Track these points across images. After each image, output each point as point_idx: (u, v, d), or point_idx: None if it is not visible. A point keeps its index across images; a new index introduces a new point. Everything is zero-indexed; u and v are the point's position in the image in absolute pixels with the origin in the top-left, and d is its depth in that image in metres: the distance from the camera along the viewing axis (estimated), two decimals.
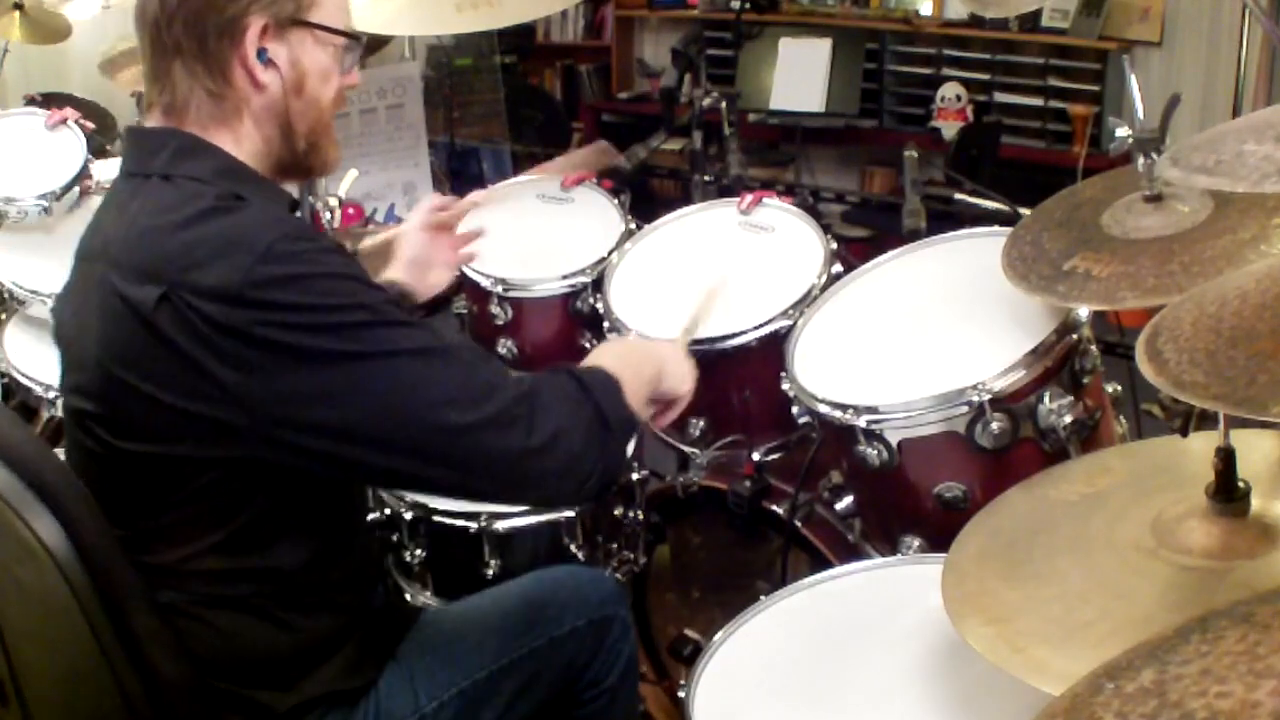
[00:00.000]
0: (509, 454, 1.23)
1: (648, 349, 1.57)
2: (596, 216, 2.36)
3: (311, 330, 1.17)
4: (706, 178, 2.71)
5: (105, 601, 1.24)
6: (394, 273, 1.82)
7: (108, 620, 1.24)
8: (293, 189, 1.64)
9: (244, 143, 1.34)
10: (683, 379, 1.55)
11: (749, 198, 2.12)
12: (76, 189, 2.54)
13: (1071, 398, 1.49)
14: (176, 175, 1.28)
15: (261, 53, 1.30)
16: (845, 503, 1.70)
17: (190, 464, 1.23)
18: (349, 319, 1.19)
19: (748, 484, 1.89)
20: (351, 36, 1.39)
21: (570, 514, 1.80)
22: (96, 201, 2.56)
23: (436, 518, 1.80)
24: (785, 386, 1.67)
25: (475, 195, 1.96)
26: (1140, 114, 1.51)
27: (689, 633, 1.97)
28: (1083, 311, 1.51)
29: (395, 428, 1.20)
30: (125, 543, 1.29)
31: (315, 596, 1.35)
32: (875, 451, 1.53)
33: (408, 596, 1.83)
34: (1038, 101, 5.10)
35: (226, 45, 1.29)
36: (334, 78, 1.38)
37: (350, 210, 3.08)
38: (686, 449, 2.02)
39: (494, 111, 5.18)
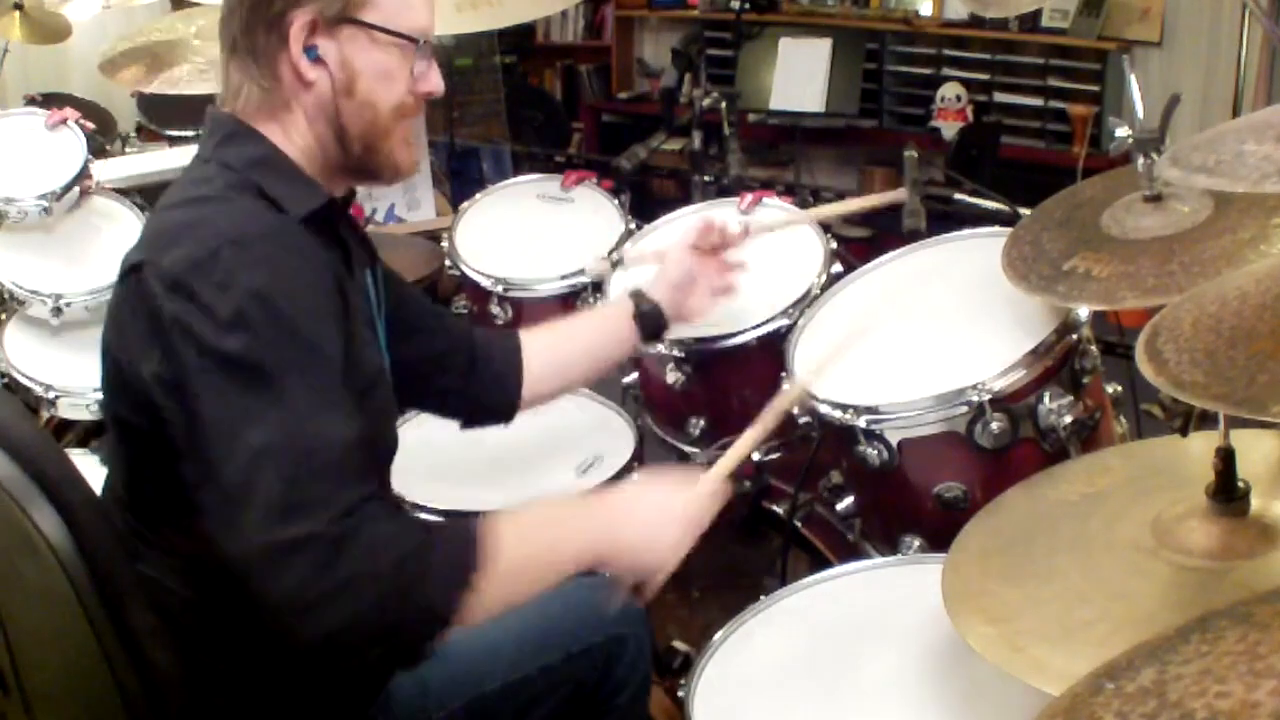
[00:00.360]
0: (240, 542, 1.11)
1: (621, 516, 1.33)
2: (596, 216, 2.37)
3: (202, 333, 1.15)
4: (706, 178, 2.71)
5: (104, 597, 1.24)
6: (656, 292, 1.74)
7: (106, 616, 1.25)
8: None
9: (294, 137, 1.34)
10: (661, 551, 1.32)
11: (749, 198, 2.12)
12: (76, 189, 2.54)
13: (1071, 398, 1.49)
14: (214, 159, 1.31)
15: (311, 49, 1.30)
16: (845, 503, 1.70)
17: (138, 432, 1.25)
18: (233, 344, 1.14)
19: (748, 484, 1.89)
20: (406, 38, 1.34)
21: None
22: (96, 201, 2.58)
23: (437, 517, 1.80)
24: (785, 386, 1.67)
25: (743, 226, 1.79)
26: (1140, 114, 1.51)
27: (678, 644, 1.96)
28: (1083, 311, 1.51)
29: (205, 450, 1.15)
30: (128, 511, 1.32)
31: None
32: (875, 451, 1.53)
33: None
34: (1038, 101, 5.10)
35: (275, 41, 1.30)
36: (397, 80, 1.35)
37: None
38: (686, 449, 2.02)
39: (494, 111, 5.18)
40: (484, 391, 1.68)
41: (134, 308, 1.21)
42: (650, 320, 1.72)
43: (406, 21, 1.34)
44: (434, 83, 1.39)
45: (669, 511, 1.35)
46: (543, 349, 1.70)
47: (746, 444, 1.47)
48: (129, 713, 1.27)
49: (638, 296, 1.73)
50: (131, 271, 1.22)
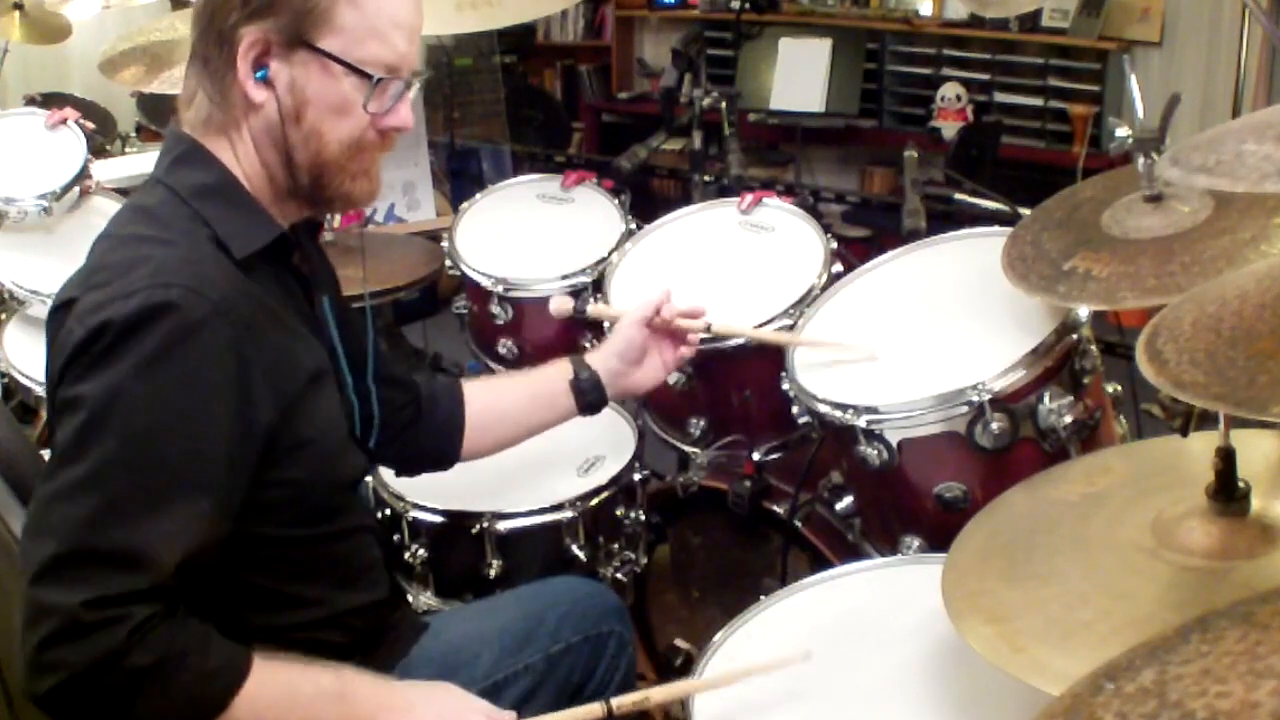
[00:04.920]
0: (25, 565, 1.13)
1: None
2: (596, 216, 2.37)
3: (79, 380, 1.15)
4: (706, 178, 2.71)
5: None
6: (596, 360, 1.68)
7: None
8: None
9: (242, 159, 1.30)
10: None
11: (749, 198, 2.12)
12: (76, 189, 2.54)
13: (1071, 398, 1.49)
14: (164, 182, 1.28)
15: (263, 70, 1.25)
16: (845, 503, 1.70)
17: None
18: (94, 407, 1.14)
19: (748, 484, 1.89)
20: (362, 74, 1.26)
21: (571, 514, 1.80)
22: (97, 201, 2.58)
23: (438, 518, 1.80)
24: (785, 386, 1.67)
25: (700, 309, 1.71)
26: (1140, 114, 1.51)
27: (680, 643, 1.97)
28: (1083, 311, 1.51)
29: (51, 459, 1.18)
30: None
31: (274, 601, 1.32)
32: (875, 451, 1.53)
33: (409, 597, 1.82)
34: (1038, 101, 5.10)
35: (226, 55, 1.25)
36: (352, 114, 1.27)
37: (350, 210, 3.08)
38: (686, 449, 2.02)
39: (494, 111, 5.18)
40: (426, 440, 1.64)
41: (53, 337, 1.22)
42: (587, 390, 1.66)
43: (371, 53, 1.26)
44: (401, 118, 1.31)
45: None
46: (482, 403, 1.66)
47: (578, 715, 1.34)
48: None
49: (578, 364, 1.67)
50: (64, 307, 1.21)
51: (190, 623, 1.18)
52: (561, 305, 1.81)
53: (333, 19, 1.24)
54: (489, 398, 1.68)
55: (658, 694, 1.34)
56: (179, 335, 1.16)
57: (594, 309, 1.84)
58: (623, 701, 1.32)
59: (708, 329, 1.71)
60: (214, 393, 1.18)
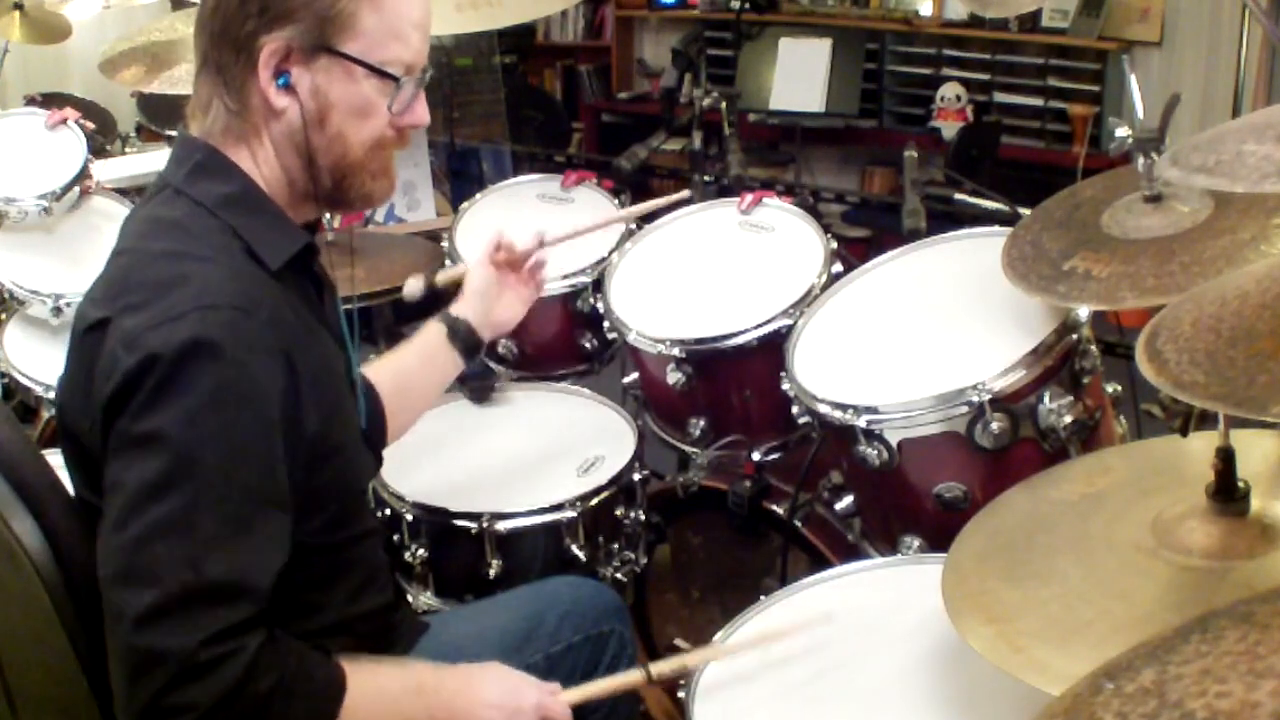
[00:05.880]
0: (115, 623, 1.12)
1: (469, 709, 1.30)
2: (596, 216, 2.36)
3: (147, 415, 1.13)
4: (706, 178, 2.71)
5: (80, 607, 1.23)
6: (460, 308, 1.72)
7: (81, 626, 1.23)
8: None
9: (262, 166, 1.29)
10: None
11: (749, 198, 2.12)
12: (76, 189, 2.54)
13: (1071, 398, 1.50)
14: (186, 192, 1.27)
15: (284, 76, 1.24)
16: (845, 503, 1.70)
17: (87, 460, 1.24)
18: (175, 444, 1.12)
19: (748, 484, 1.89)
20: (387, 75, 1.26)
21: (571, 514, 1.80)
22: (96, 201, 2.58)
23: (438, 518, 1.80)
24: (785, 386, 1.67)
25: (539, 237, 1.79)
26: (1140, 114, 1.51)
27: (680, 643, 1.96)
28: (1083, 311, 1.51)
29: (113, 503, 1.15)
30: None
31: (288, 610, 1.28)
32: (875, 451, 1.53)
33: (409, 597, 1.83)
34: (1038, 101, 5.10)
35: (244, 64, 1.24)
36: (375, 114, 1.28)
37: None
38: (686, 449, 2.02)
39: (494, 111, 5.18)
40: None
41: (89, 357, 1.19)
42: (464, 338, 1.70)
43: (391, 54, 1.27)
44: (419, 115, 1.32)
45: (518, 714, 1.32)
46: (389, 389, 1.65)
47: (619, 683, 1.41)
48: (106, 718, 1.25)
49: (448, 319, 1.70)
50: (97, 327, 1.19)
51: (290, 641, 1.19)
52: (412, 288, 1.85)
53: (355, 23, 1.24)
54: (393, 381, 1.66)
55: (693, 658, 1.36)
56: (240, 358, 1.15)
57: (442, 274, 1.89)
58: (662, 669, 1.35)
59: (540, 244, 1.78)
60: (274, 409, 1.18)
